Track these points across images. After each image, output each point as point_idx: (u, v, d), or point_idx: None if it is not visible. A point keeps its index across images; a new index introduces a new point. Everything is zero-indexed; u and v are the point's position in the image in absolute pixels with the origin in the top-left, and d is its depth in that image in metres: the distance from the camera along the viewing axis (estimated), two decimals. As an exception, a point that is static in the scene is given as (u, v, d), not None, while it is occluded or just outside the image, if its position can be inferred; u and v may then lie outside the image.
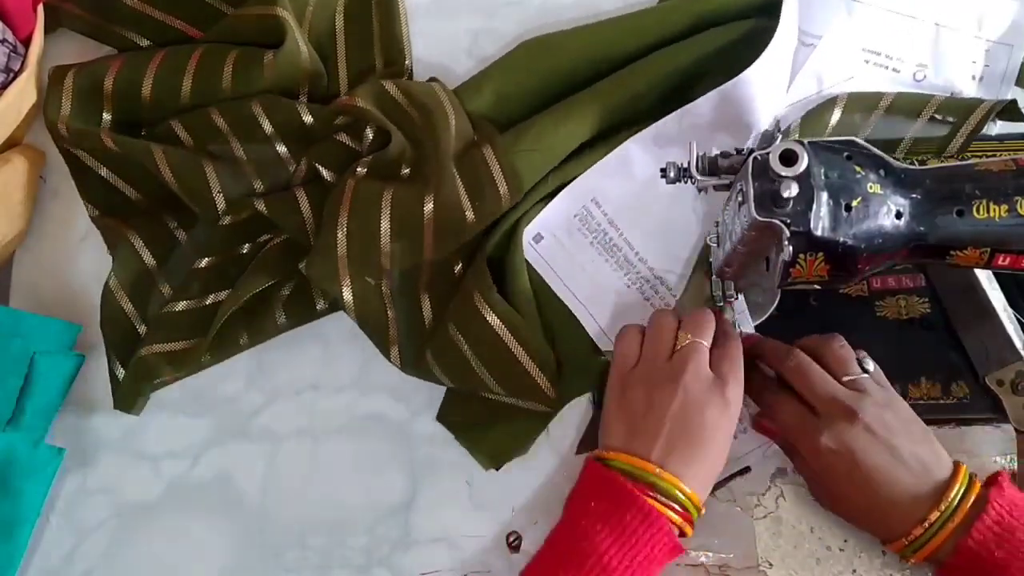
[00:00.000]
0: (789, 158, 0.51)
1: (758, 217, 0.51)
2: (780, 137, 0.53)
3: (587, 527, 0.55)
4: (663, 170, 0.58)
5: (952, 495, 0.55)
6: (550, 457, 0.66)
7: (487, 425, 0.66)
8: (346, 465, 0.67)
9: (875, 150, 0.55)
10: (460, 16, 0.74)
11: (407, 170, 0.67)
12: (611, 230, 0.67)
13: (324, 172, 0.68)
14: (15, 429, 0.64)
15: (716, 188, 0.57)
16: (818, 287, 0.57)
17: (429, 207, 0.64)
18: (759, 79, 0.64)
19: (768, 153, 0.51)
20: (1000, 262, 0.55)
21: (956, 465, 0.57)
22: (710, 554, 0.63)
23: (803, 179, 0.51)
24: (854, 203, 0.52)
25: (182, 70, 0.69)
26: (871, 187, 0.53)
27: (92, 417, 0.69)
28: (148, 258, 0.70)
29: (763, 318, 0.64)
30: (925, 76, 0.67)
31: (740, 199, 0.54)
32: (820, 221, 0.51)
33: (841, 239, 0.52)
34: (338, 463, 0.67)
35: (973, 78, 0.67)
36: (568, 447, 0.66)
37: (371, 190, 0.65)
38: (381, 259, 0.65)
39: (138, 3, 0.74)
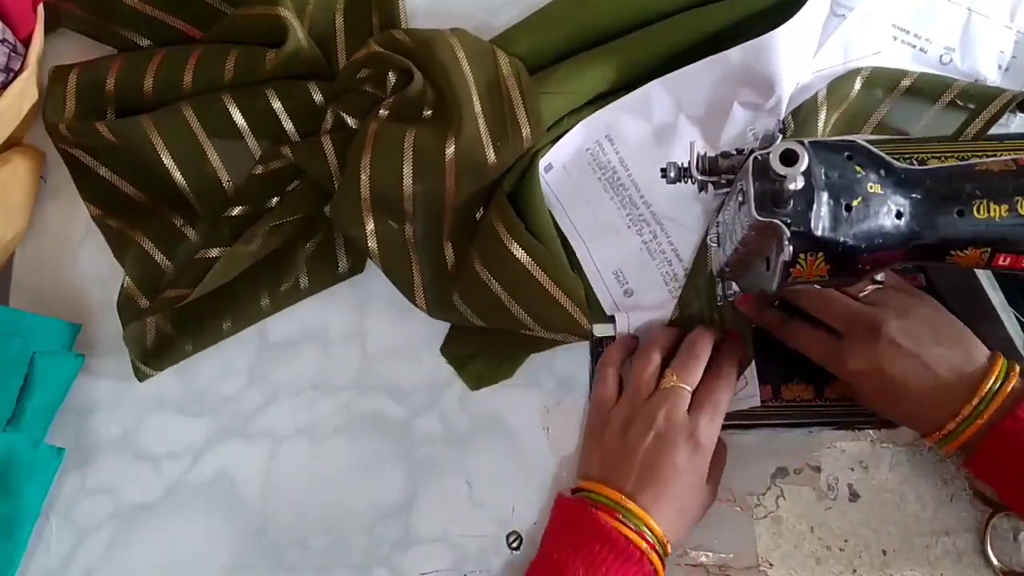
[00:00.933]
0: (789, 158, 0.51)
1: (758, 217, 0.51)
2: (779, 139, 0.53)
3: (560, 559, 0.56)
4: (663, 170, 0.58)
5: (986, 388, 0.55)
6: (550, 457, 0.66)
7: (484, 354, 0.67)
8: (346, 465, 0.67)
9: (876, 150, 0.55)
10: (460, 16, 0.74)
11: (429, 112, 0.67)
12: (620, 169, 0.67)
13: (349, 120, 0.68)
14: (15, 429, 0.64)
15: (716, 188, 0.57)
16: (818, 287, 0.57)
17: (451, 149, 0.64)
18: (788, 39, 0.64)
19: (768, 153, 0.51)
20: (1000, 262, 0.55)
21: (993, 357, 0.57)
22: (710, 554, 0.63)
23: (803, 179, 0.50)
24: (854, 203, 0.52)
25: (182, 68, 0.69)
26: (871, 187, 0.53)
27: (92, 417, 0.69)
28: (161, 258, 0.70)
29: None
30: (951, 60, 0.67)
31: (740, 199, 0.54)
32: (820, 221, 0.51)
33: (841, 239, 0.52)
34: (338, 463, 0.67)
35: (999, 67, 0.68)
36: (568, 448, 0.66)
37: (393, 132, 0.65)
38: (404, 202, 0.65)
39: (138, 3, 0.74)
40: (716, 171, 0.57)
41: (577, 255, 0.67)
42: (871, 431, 0.64)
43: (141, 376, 0.67)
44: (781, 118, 0.66)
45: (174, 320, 0.68)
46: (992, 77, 0.68)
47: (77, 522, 0.67)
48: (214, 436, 0.68)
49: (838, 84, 0.66)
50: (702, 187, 0.57)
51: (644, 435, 0.58)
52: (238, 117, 0.68)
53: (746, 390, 0.64)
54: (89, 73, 0.71)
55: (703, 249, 0.66)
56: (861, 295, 0.59)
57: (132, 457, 0.68)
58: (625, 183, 0.67)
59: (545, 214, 0.66)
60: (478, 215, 0.68)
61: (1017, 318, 0.64)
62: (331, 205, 0.66)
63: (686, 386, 0.60)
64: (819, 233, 0.51)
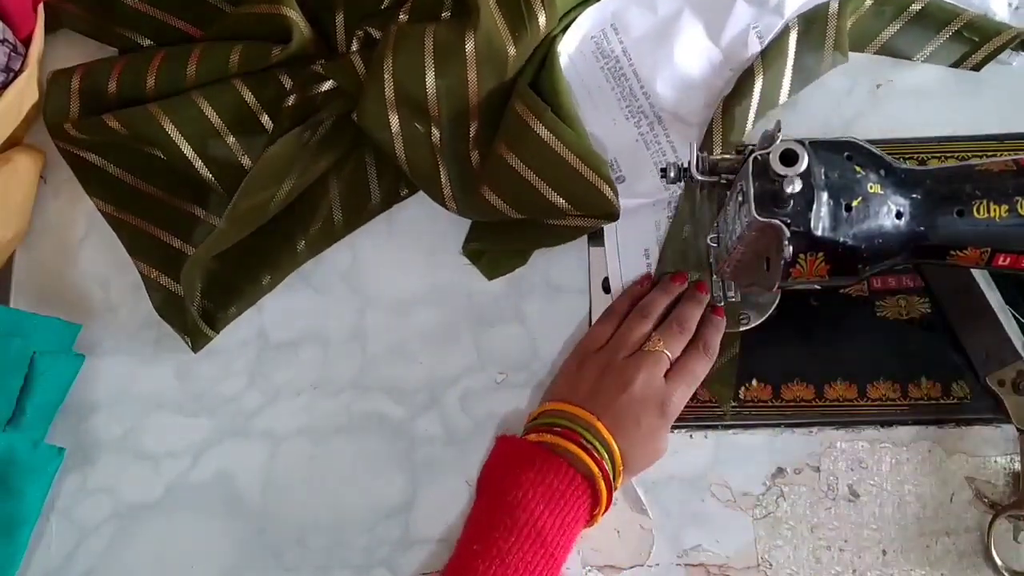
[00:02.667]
0: (789, 158, 0.51)
1: (758, 217, 0.51)
2: (779, 139, 0.53)
3: (518, 496, 0.57)
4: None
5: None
6: (550, 457, 0.66)
7: (505, 246, 0.68)
8: (346, 465, 0.67)
9: (876, 150, 0.55)
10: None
11: (447, 13, 0.68)
12: (623, 59, 0.68)
13: (374, 32, 0.69)
14: (15, 429, 0.64)
15: (716, 188, 0.57)
16: (818, 287, 0.57)
17: (470, 44, 0.65)
18: None
19: (768, 153, 0.51)
20: (1000, 262, 0.55)
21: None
22: (710, 554, 0.63)
23: (803, 179, 0.51)
24: (854, 203, 0.52)
25: (185, 64, 0.69)
26: (871, 187, 0.53)
27: (92, 417, 0.69)
28: (181, 244, 0.70)
29: (763, 318, 0.64)
30: None
31: (740, 199, 0.54)
32: (820, 221, 0.51)
33: (841, 239, 0.52)
34: (338, 463, 0.67)
35: (1009, 5, 0.69)
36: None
37: (413, 31, 0.66)
38: (427, 101, 0.65)
39: (138, 3, 0.74)
40: (716, 171, 0.57)
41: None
42: (871, 431, 0.64)
43: (197, 348, 0.68)
44: (785, 17, 0.66)
45: (212, 290, 0.68)
46: (1002, 14, 0.69)
47: (77, 522, 0.67)
48: (214, 436, 0.68)
49: None
50: (701, 186, 0.57)
51: (618, 389, 0.60)
52: (248, 96, 0.69)
53: None
54: (91, 76, 0.71)
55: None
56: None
57: (132, 457, 0.68)
58: (627, 74, 0.68)
59: (568, 97, 0.67)
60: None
61: (1016, 318, 0.64)
62: (357, 109, 0.66)
63: (668, 353, 0.61)
64: (819, 233, 0.52)
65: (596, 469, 0.58)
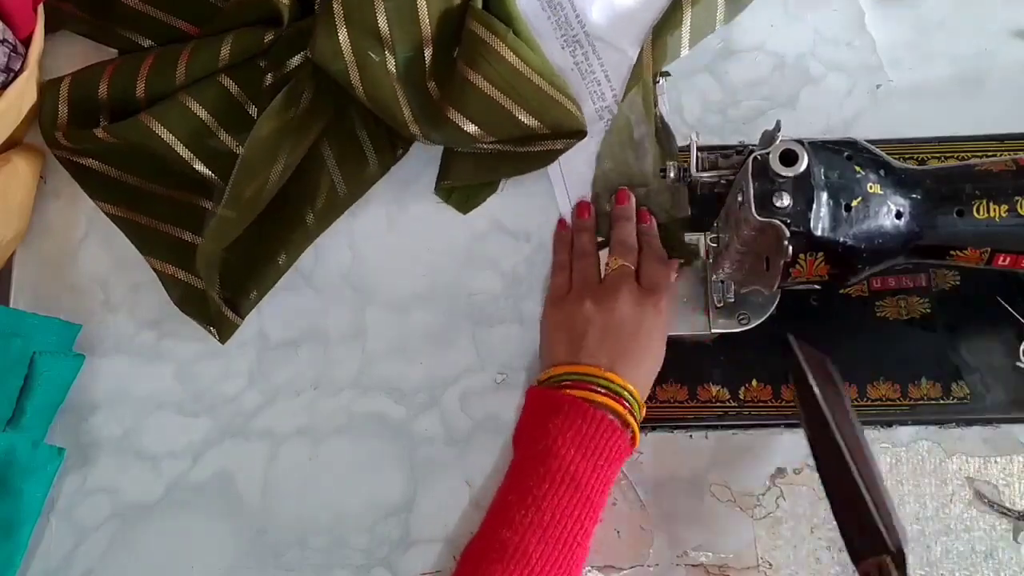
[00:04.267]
0: (789, 158, 0.51)
1: (758, 217, 0.51)
2: (779, 139, 0.53)
3: (548, 444, 0.58)
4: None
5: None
6: (550, 457, 0.66)
7: (478, 178, 0.69)
8: (346, 465, 0.67)
9: (876, 150, 0.55)
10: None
11: None
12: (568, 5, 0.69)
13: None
14: (15, 429, 0.64)
15: (716, 188, 0.57)
16: (818, 287, 0.57)
17: None
18: None
19: (768, 153, 0.51)
20: (1000, 262, 0.55)
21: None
22: (710, 554, 0.63)
23: (803, 179, 0.51)
24: (854, 203, 0.52)
25: (175, 62, 0.69)
26: (871, 187, 0.53)
27: (92, 417, 0.69)
28: (191, 237, 0.71)
29: (763, 318, 0.64)
30: None
31: (740, 199, 0.54)
32: (820, 221, 0.51)
33: (841, 239, 0.52)
34: (338, 463, 0.67)
35: None
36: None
37: None
38: (379, 30, 0.66)
39: (138, 3, 0.74)
40: (716, 170, 0.57)
41: None
42: (871, 431, 0.64)
43: (224, 337, 0.68)
44: None
45: (230, 277, 0.68)
46: None
47: (77, 522, 0.67)
48: (214, 436, 0.68)
49: None
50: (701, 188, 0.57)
51: (611, 313, 0.62)
52: (234, 88, 0.69)
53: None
54: (81, 80, 0.71)
55: (634, 77, 0.68)
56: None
57: (132, 457, 0.68)
58: (562, 2, 0.69)
59: (523, 22, 0.67)
60: (456, 53, 0.68)
61: (1018, 319, 0.64)
62: (310, 45, 0.67)
63: (629, 263, 0.64)
64: (819, 233, 0.52)
65: (619, 407, 0.59)
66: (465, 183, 0.70)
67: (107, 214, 0.72)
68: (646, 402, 0.61)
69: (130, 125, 0.67)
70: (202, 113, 0.68)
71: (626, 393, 0.59)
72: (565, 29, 0.69)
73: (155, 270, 0.70)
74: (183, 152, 0.68)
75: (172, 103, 0.68)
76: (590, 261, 0.66)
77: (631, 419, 0.59)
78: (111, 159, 0.72)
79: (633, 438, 0.60)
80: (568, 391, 0.59)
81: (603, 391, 0.59)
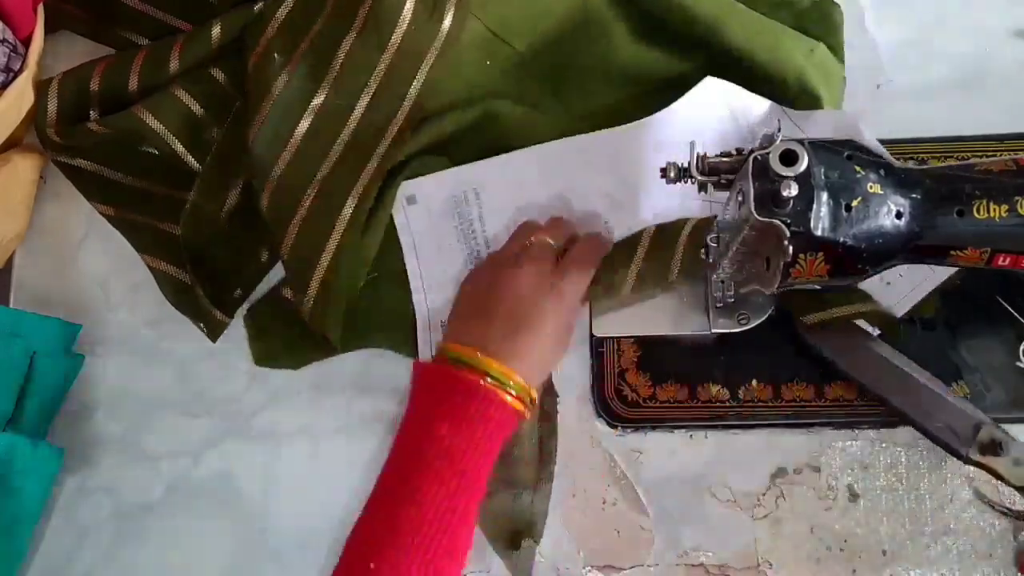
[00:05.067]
0: (789, 158, 0.51)
1: (758, 217, 0.51)
2: (779, 139, 0.53)
3: (424, 421, 0.56)
4: (663, 170, 0.58)
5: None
6: (550, 457, 0.66)
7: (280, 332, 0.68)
8: (346, 465, 0.67)
9: (875, 150, 0.55)
10: (460, 16, 0.74)
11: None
12: (478, 225, 0.68)
13: None
14: (15, 429, 0.64)
15: (716, 188, 0.57)
16: (818, 287, 0.57)
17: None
18: (662, 127, 0.66)
19: (768, 153, 0.51)
20: (1000, 262, 0.55)
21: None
22: (710, 554, 0.63)
23: (803, 179, 0.51)
24: (854, 203, 0.52)
25: (167, 55, 0.69)
26: (871, 187, 0.53)
27: (92, 417, 0.69)
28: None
29: (763, 318, 0.64)
30: None
31: (740, 199, 0.54)
32: (820, 221, 0.51)
33: (841, 239, 0.52)
34: (338, 463, 0.67)
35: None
36: (568, 447, 0.66)
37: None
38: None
39: (138, 3, 0.74)
40: (716, 171, 0.57)
41: (413, 300, 0.67)
42: (871, 431, 0.64)
43: (215, 336, 0.68)
44: (637, 219, 0.65)
45: (213, 274, 0.68)
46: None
47: (77, 522, 0.67)
48: (214, 436, 0.68)
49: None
50: (702, 187, 0.57)
51: (508, 284, 0.60)
52: (223, 78, 0.70)
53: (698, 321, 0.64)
54: (72, 77, 0.71)
55: None
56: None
57: (132, 457, 0.68)
58: (478, 238, 0.68)
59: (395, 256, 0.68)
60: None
61: (1018, 319, 0.64)
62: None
63: (551, 240, 0.62)
64: (819, 233, 0.51)
65: (504, 394, 0.56)
66: (264, 326, 0.69)
67: (102, 214, 0.72)
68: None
69: (122, 117, 0.68)
70: (195, 106, 0.68)
71: (515, 385, 0.57)
72: (475, 262, 0.67)
73: (149, 267, 0.70)
74: (176, 146, 0.68)
75: (164, 95, 0.68)
76: (521, 231, 0.64)
77: (508, 393, 0.56)
78: (103, 159, 0.72)
79: (507, 412, 0.56)
80: (467, 374, 0.56)
81: (492, 381, 0.56)
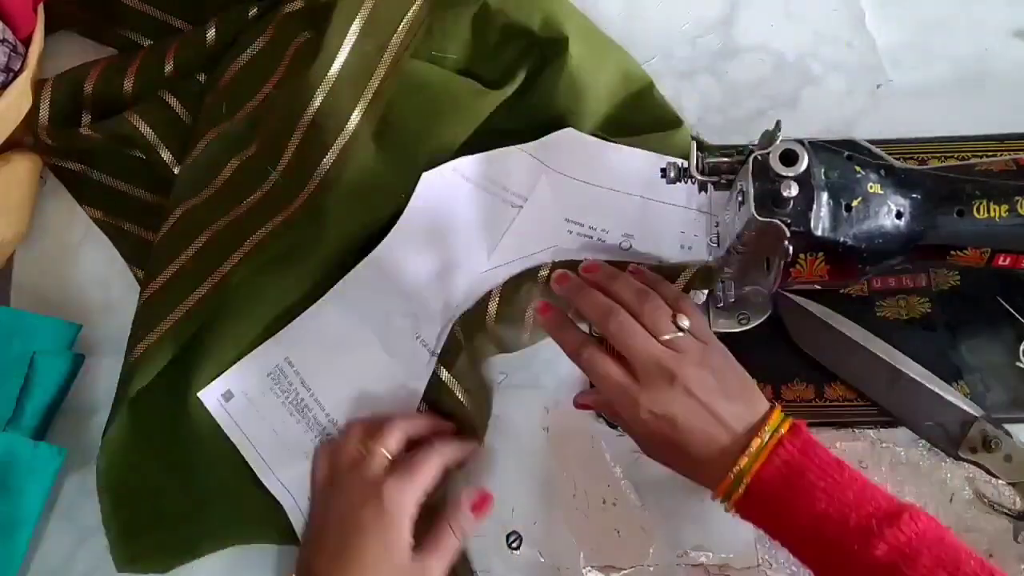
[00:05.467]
0: (789, 158, 0.51)
1: (758, 217, 0.51)
2: (779, 139, 0.53)
3: None
4: (663, 170, 0.58)
5: (760, 443, 0.53)
6: (550, 457, 0.66)
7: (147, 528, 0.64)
8: (346, 465, 0.67)
9: (876, 150, 0.55)
10: None
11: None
12: (303, 390, 0.65)
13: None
14: (15, 429, 0.64)
15: (716, 188, 0.57)
16: (818, 287, 0.57)
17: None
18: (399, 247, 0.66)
19: (768, 153, 0.51)
20: (1000, 262, 0.55)
21: (769, 410, 0.55)
22: (710, 554, 0.63)
23: (803, 179, 0.51)
24: (854, 203, 0.52)
25: (162, 59, 0.69)
26: (871, 187, 0.53)
27: (92, 417, 0.68)
28: None
29: (763, 318, 0.64)
30: (631, 245, 0.66)
31: (740, 199, 0.54)
32: (820, 221, 0.51)
33: (841, 239, 0.52)
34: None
35: (681, 247, 0.66)
36: (568, 448, 0.66)
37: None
38: None
39: (138, 3, 0.74)
40: (716, 171, 0.57)
41: (264, 483, 0.64)
42: (871, 431, 0.64)
43: None
44: (452, 322, 0.65)
45: None
46: (674, 256, 0.66)
47: (77, 522, 0.67)
48: (214, 436, 0.68)
49: (515, 282, 0.64)
50: (702, 187, 0.57)
51: (337, 499, 0.58)
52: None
53: None
54: (67, 80, 0.71)
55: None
56: (663, 338, 0.56)
57: (132, 457, 0.68)
58: (309, 404, 0.65)
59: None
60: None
61: (1018, 319, 0.64)
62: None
63: (383, 449, 0.59)
64: (819, 233, 0.51)
65: None
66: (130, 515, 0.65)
67: (92, 219, 0.72)
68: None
69: (114, 122, 0.68)
70: (183, 113, 0.68)
71: None
72: (317, 431, 0.65)
73: (136, 278, 0.70)
74: (164, 155, 0.68)
75: (155, 101, 0.68)
76: (353, 433, 0.61)
77: None
78: (93, 162, 0.72)
79: None
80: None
81: None
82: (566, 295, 0.61)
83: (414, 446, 0.61)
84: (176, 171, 0.69)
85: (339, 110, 0.66)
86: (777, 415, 0.55)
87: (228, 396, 0.65)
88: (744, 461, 0.53)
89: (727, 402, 0.55)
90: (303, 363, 0.66)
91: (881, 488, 0.52)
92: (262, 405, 0.65)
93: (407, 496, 0.57)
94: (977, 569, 0.48)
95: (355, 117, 0.66)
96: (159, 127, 0.68)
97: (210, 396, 0.65)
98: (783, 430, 0.54)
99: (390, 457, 0.59)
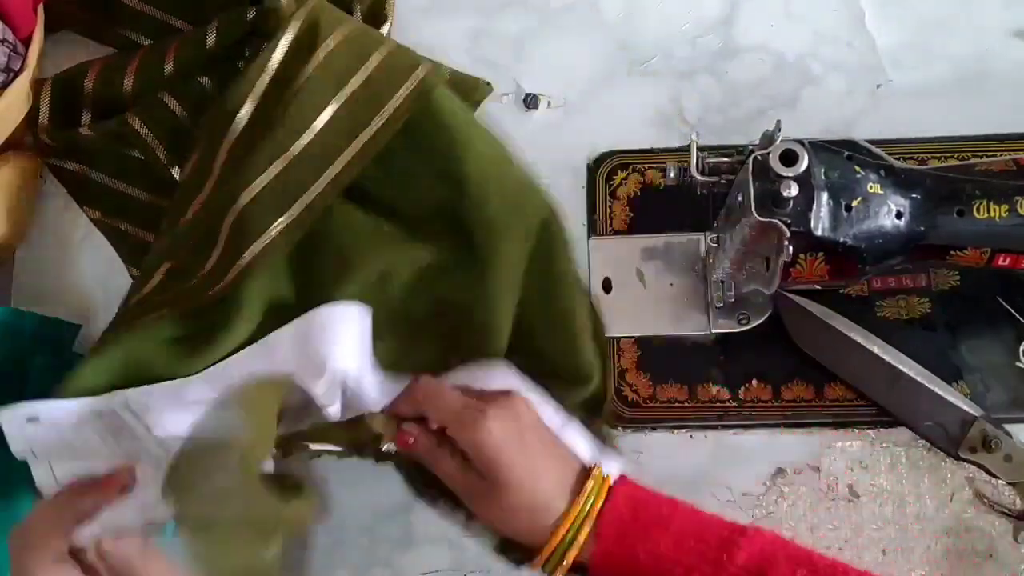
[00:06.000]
0: (789, 158, 0.51)
1: (758, 217, 0.51)
2: (779, 139, 0.53)
3: None
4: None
5: (586, 497, 0.53)
6: (550, 457, 0.66)
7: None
8: (346, 465, 0.66)
9: (876, 150, 0.55)
10: (460, 16, 0.74)
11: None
12: (135, 422, 0.57)
13: None
14: (15, 429, 0.64)
15: (716, 188, 0.57)
16: (818, 287, 0.57)
17: None
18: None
19: (768, 153, 0.51)
20: (1000, 262, 0.55)
21: (590, 468, 0.54)
22: (710, 554, 0.63)
23: (803, 179, 0.51)
24: (854, 203, 0.52)
25: (162, 57, 0.69)
26: (871, 187, 0.53)
27: (92, 417, 0.69)
28: None
29: (763, 318, 0.64)
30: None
31: (740, 199, 0.54)
32: (820, 221, 0.51)
33: (841, 239, 0.52)
34: (339, 463, 0.67)
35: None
36: (568, 447, 0.66)
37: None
38: None
39: (138, 3, 0.74)
40: (716, 171, 0.57)
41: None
42: (871, 431, 0.64)
43: None
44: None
45: None
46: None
47: (77, 522, 0.67)
48: (214, 436, 0.68)
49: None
50: (701, 188, 0.57)
51: None
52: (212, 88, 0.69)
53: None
54: (67, 78, 0.71)
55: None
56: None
57: (132, 457, 0.68)
58: (137, 432, 0.58)
59: None
60: None
61: (1018, 319, 0.64)
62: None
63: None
64: (819, 233, 0.52)
65: None
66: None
67: (90, 219, 0.72)
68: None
69: (113, 123, 0.68)
70: (181, 113, 0.68)
71: None
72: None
73: (133, 278, 0.70)
74: (162, 155, 0.68)
75: (155, 102, 0.68)
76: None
77: None
78: (95, 163, 0.72)
79: None
80: None
81: None
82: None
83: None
84: (175, 172, 0.68)
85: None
86: (598, 474, 0.54)
87: (32, 419, 0.58)
88: (562, 531, 0.52)
89: (558, 446, 0.55)
90: (156, 423, 0.57)
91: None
92: (74, 433, 0.58)
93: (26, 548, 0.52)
94: (832, 564, 0.50)
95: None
96: (157, 128, 0.68)
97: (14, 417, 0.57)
98: (602, 497, 0.53)
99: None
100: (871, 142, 0.55)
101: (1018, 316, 0.64)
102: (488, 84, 0.71)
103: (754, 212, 0.51)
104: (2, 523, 0.60)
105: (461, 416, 0.54)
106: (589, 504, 0.53)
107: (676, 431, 0.65)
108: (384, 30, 0.72)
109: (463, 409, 0.55)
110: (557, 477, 0.54)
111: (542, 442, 0.55)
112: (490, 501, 0.54)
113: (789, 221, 0.51)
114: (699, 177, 0.57)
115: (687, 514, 0.53)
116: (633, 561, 0.52)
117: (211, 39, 0.68)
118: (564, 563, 0.52)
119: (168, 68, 0.69)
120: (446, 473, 0.55)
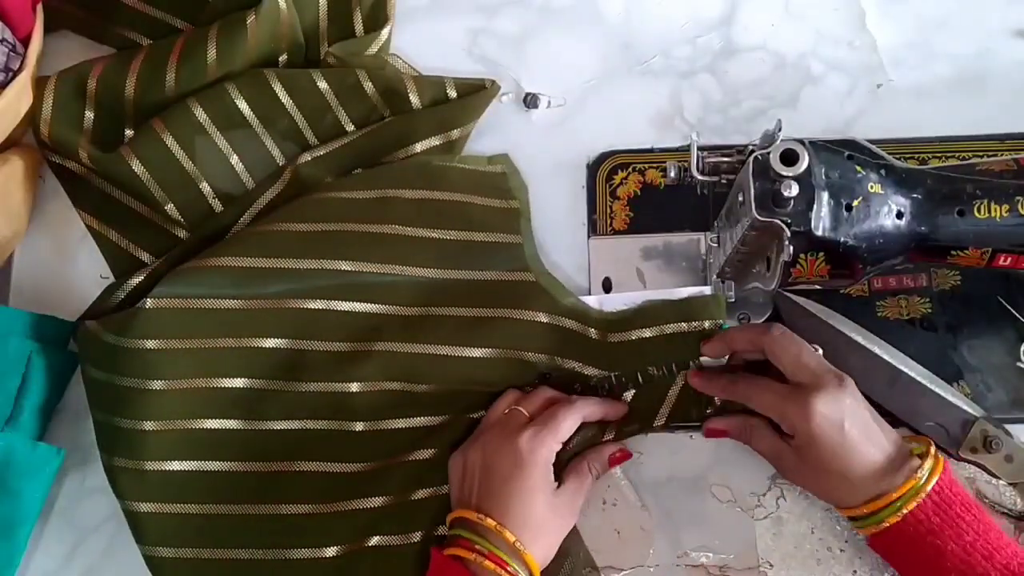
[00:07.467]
0: (790, 158, 0.51)
1: (758, 217, 0.51)
2: (779, 139, 0.53)
3: None
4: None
5: (915, 483, 0.54)
6: (550, 457, 0.66)
7: None
8: (346, 465, 0.67)
9: (876, 150, 0.55)
10: (460, 16, 0.74)
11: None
12: None
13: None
14: (14, 428, 0.64)
15: (716, 188, 0.57)
16: (818, 287, 0.57)
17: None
18: None
19: (769, 153, 0.51)
20: (1001, 262, 0.55)
21: (927, 444, 0.57)
22: (710, 554, 0.63)
23: (804, 179, 0.51)
24: (855, 203, 0.52)
25: (165, 62, 0.69)
26: (872, 187, 0.53)
27: (91, 417, 0.68)
28: (147, 258, 0.70)
29: (763, 318, 0.64)
30: None
31: (741, 199, 0.54)
32: (821, 221, 0.51)
33: (842, 239, 0.52)
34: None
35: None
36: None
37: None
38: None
39: (138, 3, 0.74)
40: (716, 171, 0.57)
41: None
42: (871, 431, 0.64)
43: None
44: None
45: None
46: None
47: (77, 522, 0.67)
48: (214, 436, 0.68)
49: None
50: (702, 188, 0.57)
51: (480, 453, 0.59)
52: (244, 105, 0.69)
53: None
54: (71, 76, 0.71)
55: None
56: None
57: (132, 457, 0.68)
58: None
59: None
60: None
61: (1018, 319, 0.64)
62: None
63: (522, 409, 0.61)
64: (819, 233, 0.52)
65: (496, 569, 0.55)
66: None
67: (85, 224, 0.72)
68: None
69: (110, 159, 0.68)
70: (181, 156, 0.68)
71: (504, 552, 0.56)
72: None
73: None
74: (157, 193, 0.68)
75: (150, 137, 0.68)
76: (502, 401, 0.62)
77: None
78: (90, 166, 0.71)
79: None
80: (451, 551, 0.57)
81: (482, 549, 0.56)
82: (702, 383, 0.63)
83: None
84: (168, 207, 0.69)
85: None
86: (932, 458, 0.56)
87: None
88: (896, 497, 0.54)
89: (879, 425, 0.56)
90: None
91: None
92: None
93: (539, 445, 0.58)
94: None
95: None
96: (154, 167, 0.68)
97: None
98: (938, 473, 0.55)
99: (527, 415, 0.61)
100: (872, 142, 0.55)
101: (1019, 316, 0.64)
102: (496, 83, 0.71)
103: (754, 212, 0.51)
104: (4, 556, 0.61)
105: (784, 407, 0.57)
106: (922, 480, 0.55)
107: (676, 431, 0.65)
108: (384, 31, 0.72)
109: (786, 401, 0.57)
110: (875, 460, 0.55)
111: (862, 424, 0.56)
112: (805, 474, 0.59)
113: (789, 221, 0.51)
114: (699, 177, 0.57)
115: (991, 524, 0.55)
116: (939, 537, 0.54)
117: (211, 55, 0.68)
118: (881, 525, 0.55)
119: (170, 79, 0.69)
120: (761, 449, 0.60)
